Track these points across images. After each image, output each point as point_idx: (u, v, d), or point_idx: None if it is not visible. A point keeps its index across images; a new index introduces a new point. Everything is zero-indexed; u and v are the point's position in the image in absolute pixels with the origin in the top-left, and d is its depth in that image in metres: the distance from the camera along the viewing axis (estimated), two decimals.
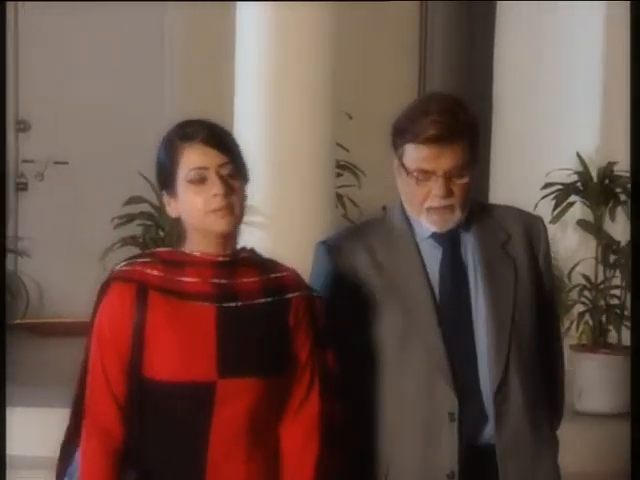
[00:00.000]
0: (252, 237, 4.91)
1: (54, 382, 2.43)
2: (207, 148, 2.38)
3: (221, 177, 2.37)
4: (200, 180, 2.38)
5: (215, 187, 2.36)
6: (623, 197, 5.25)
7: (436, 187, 2.55)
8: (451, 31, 7.60)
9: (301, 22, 5.03)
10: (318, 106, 5.09)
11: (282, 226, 5.04)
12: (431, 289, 2.60)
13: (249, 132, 5.05)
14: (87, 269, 5.30)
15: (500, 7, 6.32)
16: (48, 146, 6.90)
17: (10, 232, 6.73)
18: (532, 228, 2.70)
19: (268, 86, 5.02)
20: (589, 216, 5.32)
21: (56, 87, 6.97)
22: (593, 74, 5.72)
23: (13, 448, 4.17)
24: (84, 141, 6.84)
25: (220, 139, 2.41)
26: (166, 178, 2.45)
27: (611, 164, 5.29)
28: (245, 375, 2.38)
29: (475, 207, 2.67)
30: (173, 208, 2.44)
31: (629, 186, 5.22)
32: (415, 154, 2.55)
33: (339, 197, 5.78)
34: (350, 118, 5.93)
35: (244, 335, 2.39)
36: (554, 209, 5.16)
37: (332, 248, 2.70)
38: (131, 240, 5.38)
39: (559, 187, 5.23)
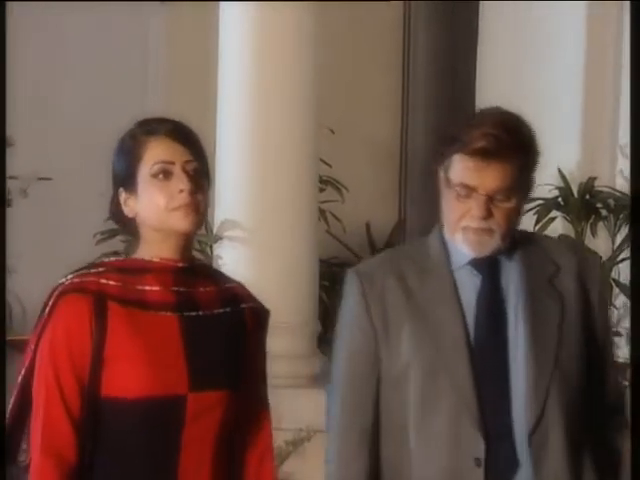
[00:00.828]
0: (235, 251, 5.23)
1: None
2: (173, 142, 2.30)
3: (187, 173, 2.28)
4: (165, 175, 2.28)
5: (181, 183, 2.27)
6: (604, 212, 5.34)
7: (476, 206, 2.40)
8: (434, 42, 7.56)
9: (284, 37, 5.19)
10: (301, 121, 5.24)
11: (265, 240, 5.19)
12: (464, 321, 2.45)
13: (232, 146, 5.25)
14: None
15: (483, 9, 6.39)
16: (32, 162, 6.86)
17: None
18: (586, 262, 2.52)
19: (251, 101, 5.17)
20: (570, 231, 5.40)
21: (41, 103, 7.00)
22: (575, 89, 5.78)
23: None
24: (68, 157, 6.84)
25: (186, 135, 2.34)
26: (126, 174, 2.32)
27: (592, 179, 5.38)
28: (216, 388, 2.32)
29: (521, 236, 2.52)
30: (130, 208, 2.33)
31: (610, 201, 5.34)
32: (460, 166, 2.41)
33: (322, 212, 5.91)
34: (333, 133, 6.03)
35: (210, 346, 2.32)
36: (535, 224, 5.21)
37: (362, 275, 2.58)
38: (113, 255, 5.26)
39: (540, 202, 5.29)
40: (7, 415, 2.31)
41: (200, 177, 2.30)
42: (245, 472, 2.39)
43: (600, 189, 5.39)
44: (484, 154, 2.38)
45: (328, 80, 6.53)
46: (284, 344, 4.93)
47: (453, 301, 2.45)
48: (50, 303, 2.28)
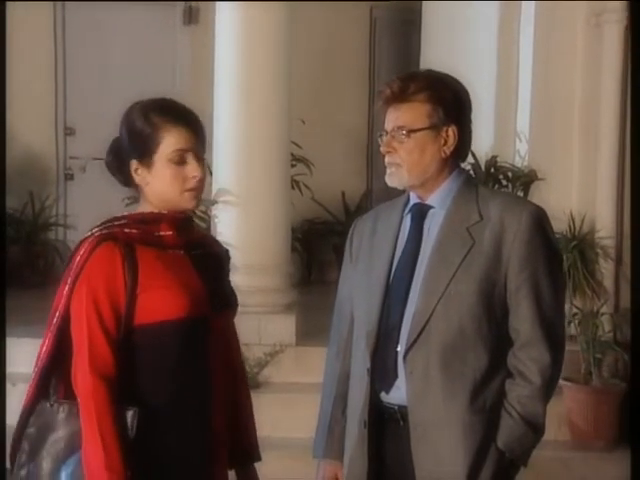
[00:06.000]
0: (227, 211, 5.94)
1: None
2: (189, 132, 2.37)
3: (199, 160, 2.37)
4: (181, 161, 2.35)
5: (195, 170, 2.36)
6: (504, 182, 6.35)
7: (381, 144, 2.55)
8: (395, 45, 8.33)
9: (264, 48, 5.86)
10: (278, 114, 5.95)
11: (250, 203, 5.86)
12: (391, 262, 2.57)
13: (225, 133, 5.91)
14: None
15: (424, 25, 7.23)
16: (89, 146, 7.52)
17: (60, 210, 7.92)
18: (511, 218, 2.49)
19: (239, 99, 5.88)
20: None
21: (95, 101, 7.90)
22: (488, 95, 6.51)
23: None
24: None
25: (199, 126, 2.41)
26: (142, 151, 2.36)
27: (494, 157, 6.40)
28: (227, 308, 2.53)
29: (472, 191, 2.55)
30: (142, 177, 2.38)
31: (509, 173, 6.33)
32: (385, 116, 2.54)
33: (295, 182, 6.79)
34: (303, 123, 6.90)
35: (214, 275, 2.50)
36: None
37: (359, 219, 2.76)
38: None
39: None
40: (41, 356, 2.40)
41: (204, 163, 2.41)
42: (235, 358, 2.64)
43: (501, 164, 6.32)
44: (386, 100, 2.52)
45: (310, 82, 7.61)
46: (264, 280, 5.81)
47: (390, 244, 2.58)
48: (82, 252, 2.36)
